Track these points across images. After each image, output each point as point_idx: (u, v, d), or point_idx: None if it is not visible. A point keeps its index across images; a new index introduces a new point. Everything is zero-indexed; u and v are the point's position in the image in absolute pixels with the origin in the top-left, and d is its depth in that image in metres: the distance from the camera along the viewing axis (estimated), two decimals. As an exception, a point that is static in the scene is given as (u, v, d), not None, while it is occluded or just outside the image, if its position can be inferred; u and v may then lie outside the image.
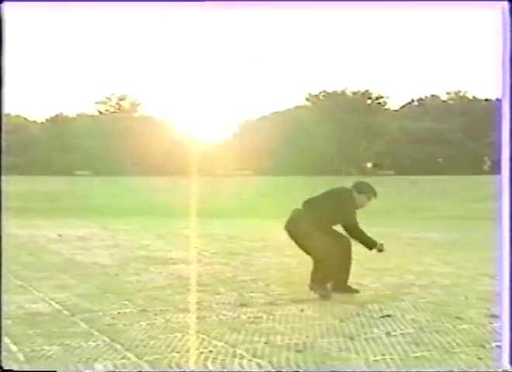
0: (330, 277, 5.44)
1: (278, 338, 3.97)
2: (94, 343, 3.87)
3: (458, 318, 4.62)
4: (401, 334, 4.12)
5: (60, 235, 11.94)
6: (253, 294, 5.60)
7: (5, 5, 2.80)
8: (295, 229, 5.51)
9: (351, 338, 4.02)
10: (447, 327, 4.33)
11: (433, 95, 70.57)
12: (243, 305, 5.06)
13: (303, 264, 7.76)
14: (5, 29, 2.94)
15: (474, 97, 68.13)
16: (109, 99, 68.80)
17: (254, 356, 3.59)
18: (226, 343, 3.86)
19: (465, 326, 4.35)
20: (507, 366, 3.11)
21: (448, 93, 70.45)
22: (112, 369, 3.36)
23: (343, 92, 62.58)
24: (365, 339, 3.98)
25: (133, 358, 3.55)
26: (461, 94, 69.42)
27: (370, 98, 62.77)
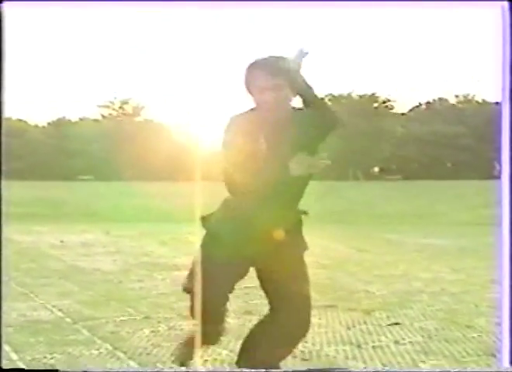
0: None
1: (284, 346, 3.88)
2: (96, 351, 3.81)
3: (467, 326, 4.53)
4: (409, 342, 4.04)
5: (62, 241, 11.85)
6: (258, 302, 5.50)
7: (5, 4, 2.73)
8: None
9: (359, 346, 3.94)
10: (456, 335, 4.24)
11: (441, 98, 70.24)
12: (247, 313, 4.98)
13: (309, 269, 7.68)
14: (5, 30, 2.87)
15: (483, 100, 67.79)
16: (112, 103, 68.85)
17: (259, 365, 3.51)
18: (231, 352, 3.79)
19: (475, 335, 4.26)
20: (508, 367, 3.04)
21: (456, 96, 70.14)
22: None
23: (349, 95, 62.48)
24: (373, 348, 3.90)
25: (136, 366, 3.49)
26: (470, 97, 69.09)
27: (377, 102, 62.61)
